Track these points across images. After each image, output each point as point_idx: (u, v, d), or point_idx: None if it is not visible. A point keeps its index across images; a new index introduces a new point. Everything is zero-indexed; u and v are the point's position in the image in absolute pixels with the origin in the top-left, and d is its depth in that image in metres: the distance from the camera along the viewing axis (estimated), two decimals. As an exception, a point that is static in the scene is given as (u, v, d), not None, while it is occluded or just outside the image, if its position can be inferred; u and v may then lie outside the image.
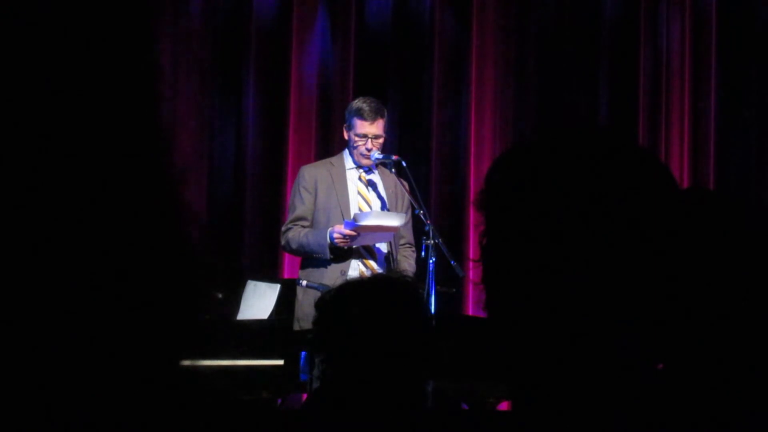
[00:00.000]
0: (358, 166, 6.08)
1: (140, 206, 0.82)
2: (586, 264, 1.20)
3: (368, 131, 6.00)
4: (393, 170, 6.11)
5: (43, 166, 0.78)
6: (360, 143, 6.00)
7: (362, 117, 6.01)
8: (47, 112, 0.79)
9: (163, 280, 0.84)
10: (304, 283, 5.82)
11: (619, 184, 1.23)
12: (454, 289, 6.75)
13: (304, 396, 5.90)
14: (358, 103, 6.12)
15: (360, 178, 6.09)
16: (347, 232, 5.74)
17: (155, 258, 0.83)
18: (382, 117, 6.06)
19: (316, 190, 6.03)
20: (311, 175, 6.08)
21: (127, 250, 0.81)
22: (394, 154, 6.12)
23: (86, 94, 0.81)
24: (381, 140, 6.05)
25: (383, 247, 5.99)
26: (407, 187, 6.09)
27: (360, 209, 5.97)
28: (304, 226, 5.99)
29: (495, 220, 1.27)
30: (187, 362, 0.87)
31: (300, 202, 6.04)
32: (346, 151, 6.13)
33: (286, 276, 7.36)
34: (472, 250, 7.81)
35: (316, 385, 5.03)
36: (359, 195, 6.06)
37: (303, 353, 5.58)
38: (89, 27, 0.82)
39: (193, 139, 7.60)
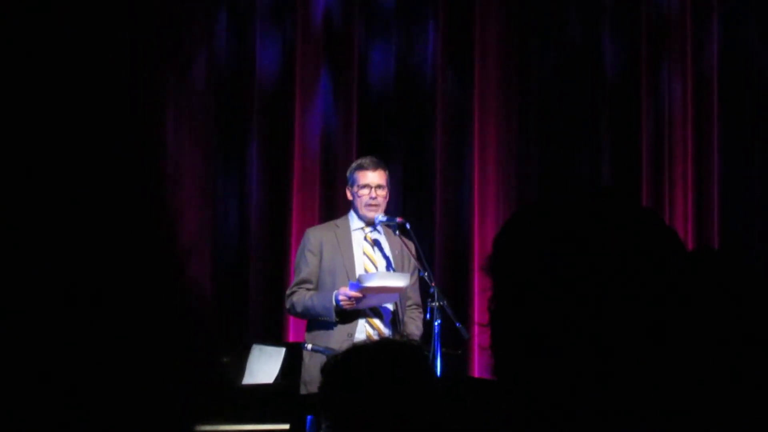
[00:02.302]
0: (366, 223, 6.08)
1: (147, 282, 0.83)
2: (595, 328, 1.20)
3: (371, 181, 6.03)
4: (397, 232, 6.11)
5: (55, 255, 0.79)
6: (364, 193, 6.02)
7: (363, 168, 6.06)
8: (60, 203, 0.80)
9: (169, 349, 0.84)
10: (309, 346, 5.79)
11: (625, 246, 1.23)
12: (459, 351, 6.73)
13: (310, 460, 5.86)
14: (358, 160, 6.24)
15: (365, 239, 6.09)
16: (353, 293, 5.73)
17: (161, 329, 0.84)
18: (383, 169, 6.10)
19: (321, 252, 6.03)
20: (316, 237, 6.09)
21: (135, 323, 0.82)
22: (398, 217, 6.13)
23: (94, 177, 0.81)
24: (385, 192, 6.06)
25: (390, 307, 5.98)
26: (412, 248, 6.09)
27: (366, 270, 5.97)
28: (308, 289, 5.98)
29: (503, 284, 1.27)
30: (194, 428, 0.87)
31: (305, 265, 6.04)
32: (352, 213, 6.14)
33: (291, 339, 7.34)
34: (477, 311, 7.80)
35: (322, 449, 5.00)
36: (365, 255, 6.06)
37: (309, 417, 5.55)
38: (99, 114, 0.83)
39: (198, 204, 7.61)
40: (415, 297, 6.13)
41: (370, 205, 6.03)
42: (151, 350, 0.82)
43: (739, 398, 1.49)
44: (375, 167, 6.06)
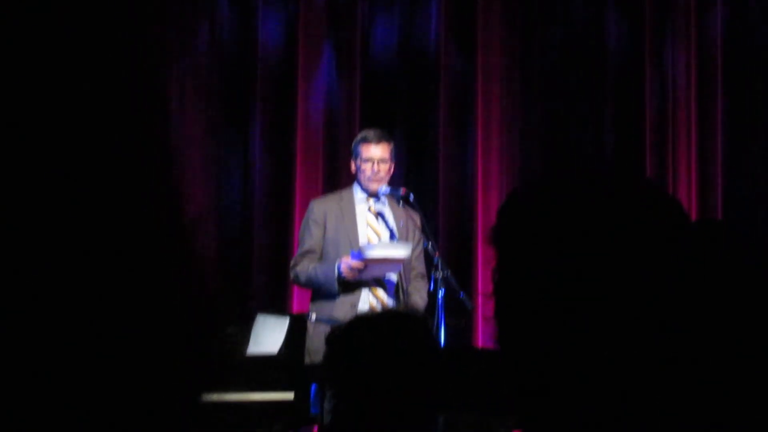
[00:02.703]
0: (369, 196, 6.09)
1: (155, 254, 0.84)
2: (599, 299, 1.21)
3: (373, 155, 6.03)
4: (401, 203, 6.12)
5: (66, 228, 0.80)
6: (366, 167, 6.03)
7: (367, 141, 6.05)
8: (66, 173, 0.80)
9: (176, 320, 0.85)
10: (314, 317, 5.82)
11: (629, 218, 1.24)
12: (463, 321, 6.75)
13: (315, 429, 5.90)
14: (363, 132, 6.23)
15: (369, 210, 6.10)
16: (354, 264, 5.74)
17: (168, 300, 0.85)
18: (387, 141, 6.09)
19: (325, 223, 6.05)
20: (320, 208, 6.10)
21: (143, 294, 0.82)
22: (402, 188, 6.14)
23: (102, 150, 0.82)
24: (387, 165, 6.07)
25: (393, 278, 5.99)
26: (417, 219, 6.10)
27: (369, 241, 5.98)
28: (312, 260, 6.00)
29: (507, 255, 1.28)
30: (200, 397, 0.88)
31: (309, 236, 6.06)
32: (356, 185, 6.15)
33: (295, 310, 7.36)
34: (481, 282, 7.81)
35: (327, 418, 5.03)
36: (368, 227, 6.07)
37: (313, 386, 5.58)
38: (103, 87, 0.83)
39: (203, 176, 7.61)
40: (420, 267, 6.15)
41: (372, 179, 6.04)
42: (157, 322, 0.83)
43: (741, 370, 1.50)
44: (378, 141, 6.06)
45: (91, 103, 0.82)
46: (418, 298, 6.05)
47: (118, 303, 0.81)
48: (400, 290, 6.01)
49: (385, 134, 6.15)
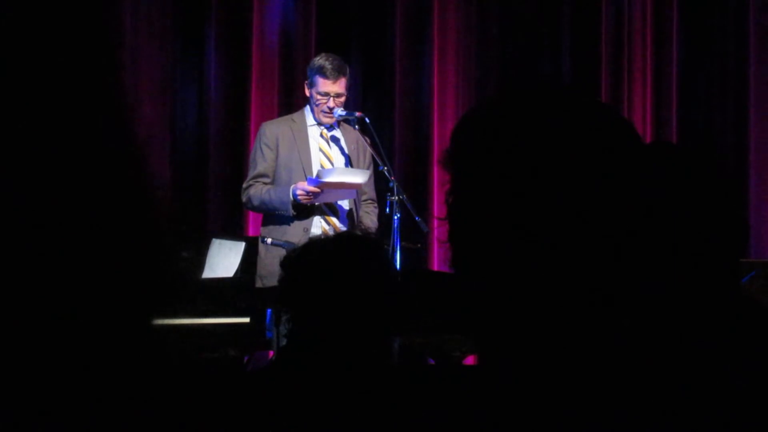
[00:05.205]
0: (320, 123, 6.06)
1: (106, 177, 0.82)
2: (551, 221, 1.21)
3: (330, 90, 5.97)
4: (356, 127, 6.09)
5: (13, 148, 0.78)
6: (322, 101, 5.98)
7: (324, 75, 5.97)
8: (8, 87, 0.79)
9: (130, 244, 0.84)
10: (269, 240, 5.80)
11: (582, 140, 1.24)
12: (419, 245, 6.77)
13: (271, 353, 5.92)
14: (320, 60, 6.06)
15: (322, 135, 6.08)
16: (311, 188, 5.73)
17: (122, 223, 0.83)
18: (344, 75, 6.02)
19: (277, 146, 6.02)
20: (272, 131, 6.06)
21: (93, 218, 0.81)
22: (357, 111, 6.10)
23: (47, 68, 0.80)
24: (343, 99, 6.02)
25: (345, 204, 5.99)
26: (370, 143, 6.08)
27: (322, 166, 5.96)
28: (265, 183, 5.97)
29: (461, 178, 1.28)
30: (154, 322, 0.88)
31: (261, 159, 6.02)
32: (308, 108, 6.10)
33: (250, 234, 7.36)
34: (436, 205, 7.83)
35: (282, 342, 5.05)
36: (321, 152, 6.05)
37: (269, 311, 5.59)
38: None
39: (156, 99, 7.55)
40: (371, 192, 6.15)
41: (327, 113, 6.00)
42: (109, 246, 0.82)
43: (690, 285, 1.52)
44: (336, 77, 5.97)
45: (36, 16, 0.81)
46: (369, 221, 6.06)
47: (68, 227, 0.80)
48: (353, 215, 6.01)
49: (343, 67, 6.04)
